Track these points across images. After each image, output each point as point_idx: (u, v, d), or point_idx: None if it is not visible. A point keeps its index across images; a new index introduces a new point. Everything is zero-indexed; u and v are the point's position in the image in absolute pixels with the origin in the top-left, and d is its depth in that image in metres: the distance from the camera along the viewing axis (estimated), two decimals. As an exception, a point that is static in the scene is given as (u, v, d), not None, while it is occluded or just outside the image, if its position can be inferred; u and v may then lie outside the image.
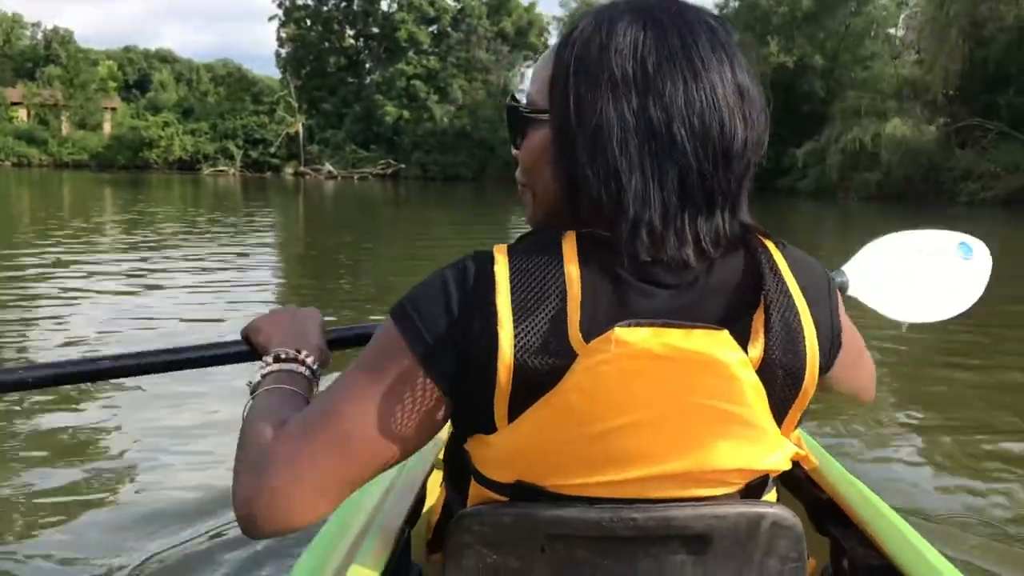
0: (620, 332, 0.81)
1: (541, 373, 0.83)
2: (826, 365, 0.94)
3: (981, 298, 1.86)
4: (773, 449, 0.90)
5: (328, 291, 8.20)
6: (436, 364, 0.87)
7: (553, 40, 54.21)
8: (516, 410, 0.85)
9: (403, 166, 52.26)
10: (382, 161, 52.71)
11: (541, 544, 0.89)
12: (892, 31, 40.79)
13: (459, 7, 55.79)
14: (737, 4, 42.11)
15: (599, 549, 0.89)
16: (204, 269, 9.44)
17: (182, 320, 6.49)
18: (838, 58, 40.27)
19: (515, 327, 0.83)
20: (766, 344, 0.87)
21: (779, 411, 0.90)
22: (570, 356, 0.83)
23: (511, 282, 0.85)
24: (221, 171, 53.57)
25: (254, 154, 55.89)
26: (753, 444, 0.89)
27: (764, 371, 0.86)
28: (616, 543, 0.89)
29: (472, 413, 0.88)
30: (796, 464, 0.95)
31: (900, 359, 5.40)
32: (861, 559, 1.19)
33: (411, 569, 1.22)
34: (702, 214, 0.88)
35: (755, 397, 0.86)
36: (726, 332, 0.84)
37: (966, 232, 1.95)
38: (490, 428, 0.88)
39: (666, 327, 0.83)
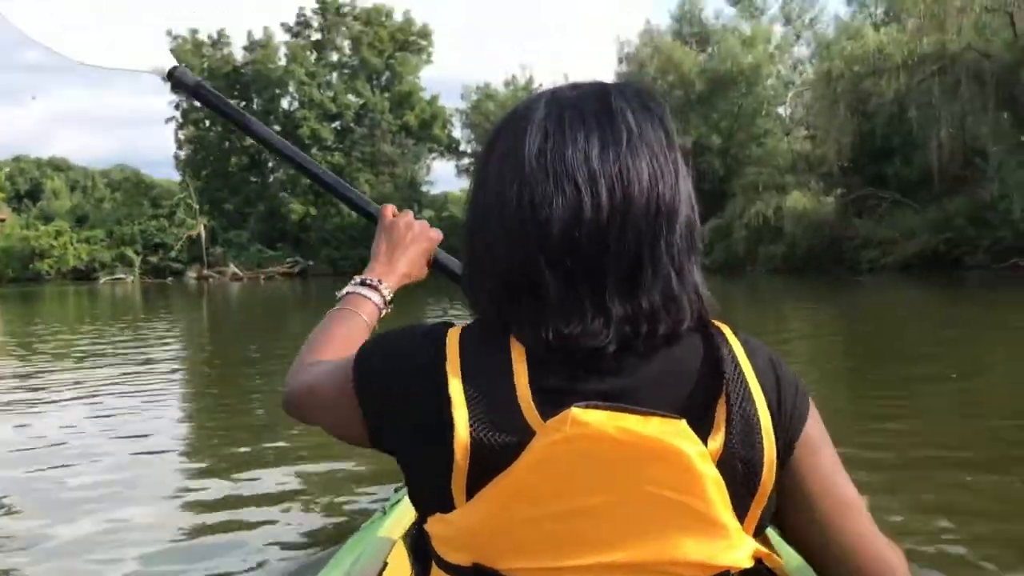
0: (577, 412, 0.81)
1: (497, 451, 0.84)
2: (783, 456, 0.90)
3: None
4: (734, 546, 0.87)
5: (237, 398, 7.75)
6: (374, 426, 0.95)
7: (457, 132, 54.86)
8: (474, 487, 0.85)
9: (311, 263, 51.30)
10: (289, 259, 51.73)
11: None
12: (781, 110, 42.54)
13: (361, 103, 55.95)
14: (633, 90, 43.26)
15: None
16: (96, 391, 8.64)
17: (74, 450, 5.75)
18: (733, 137, 41.66)
19: (468, 404, 0.85)
20: (726, 437, 0.85)
21: (740, 506, 0.87)
22: (526, 434, 0.83)
23: (461, 359, 0.88)
24: (119, 279, 51.46)
25: (154, 259, 54.09)
26: (712, 539, 0.85)
27: (723, 465, 0.85)
28: None
29: (431, 491, 0.89)
30: (759, 560, 0.92)
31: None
32: None
33: None
34: (545, 309, 0.87)
35: (715, 491, 0.84)
36: (684, 422, 0.82)
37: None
38: (449, 507, 0.87)
39: (623, 411, 0.82)
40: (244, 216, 54.81)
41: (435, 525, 0.90)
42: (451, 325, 0.94)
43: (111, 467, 4.91)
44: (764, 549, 0.91)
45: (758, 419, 0.88)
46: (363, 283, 1.28)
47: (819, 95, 33.06)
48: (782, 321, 14.69)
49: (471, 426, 0.84)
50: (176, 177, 58.67)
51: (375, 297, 1.27)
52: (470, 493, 0.86)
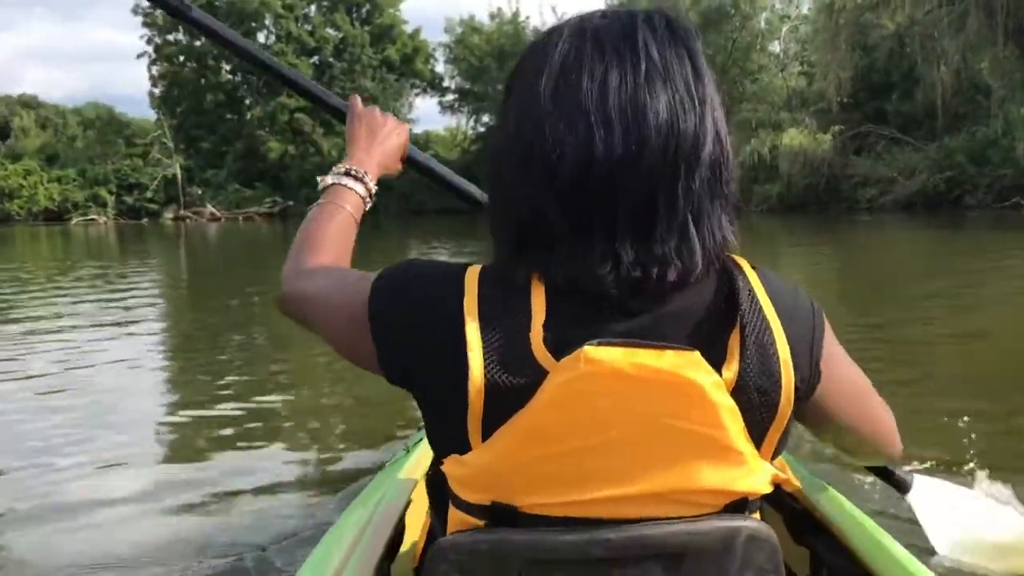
0: (590, 350, 0.81)
1: (512, 391, 0.84)
2: (805, 391, 0.91)
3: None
4: (751, 472, 0.89)
5: (218, 346, 7.34)
6: (387, 357, 0.94)
7: (440, 67, 53.06)
8: (489, 429, 0.85)
9: (291, 203, 49.84)
10: (268, 200, 50.05)
11: (518, 569, 0.89)
12: (775, 45, 41.22)
13: (340, 36, 53.88)
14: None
15: (576, 571, 0.89)
16: (76, 326, 8.46)
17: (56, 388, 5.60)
18: (727, 73, 40.36)
19: (484, 345, 0.84)
20: (741, 366, 0.86)
21: (756, 434, 0.88)
22: (540, 374, 0.83)
23: (479, 299, 0.87)
24: (92, 220, 49.69)
25: (129, 200, 52.11)
26: (729, 467, 0.87)
27: (738, 393, 0.86)
28: (592, 565, 0.88)
29: (448, 432, 0.89)
30: (778, 485, 0.95)
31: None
32: (839, 569, 1.17)
33: None
34: (577, 248, 0.85)
35: (730, 420, 0.85)
36: (698, 353, 0.83)
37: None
38: (465, 448, 0.88)
39: (636, 347, 0.82)
40: (221, 155, 52.82)
41: (451, 466, 0.90)
42: (469, 265, 0.93)
43: (103, 414, 4.77)
44: (782, 474, 0.92)
45: (775, 349, 0.87)
46: (347, 173, 1.23)
47: (820, 27, 31.73)
48: (777, 262, 14.12)
49: (486, 368, 0.84)
50: (152, 115, 56.62)
51: (359, 188, 1.23)
52: (485, 434, 0.86)
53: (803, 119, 33.52)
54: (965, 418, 3.87)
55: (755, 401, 0.87)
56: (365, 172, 1.24)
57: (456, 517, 0.92)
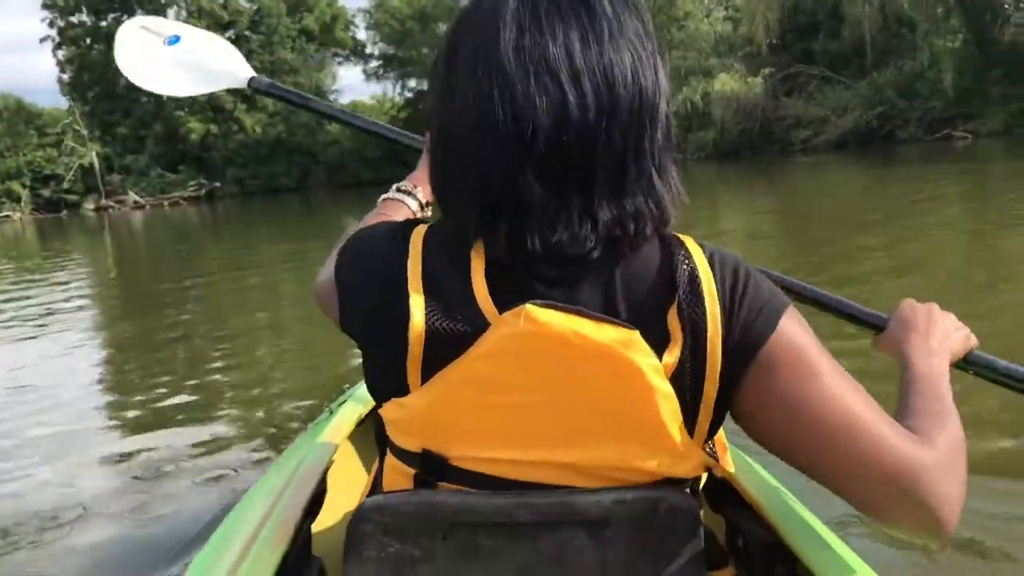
0: (532, 309, 0.81)
1: (452, 339, 0.84)
2: (731, 377, 0.87)
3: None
4: (681, 458, 0.88)
5: (156, 342, 7.00)
6: (345, 314, 0.96)
7: (361, 34, 51.55)
8: (428, 374, 0.87)
9: (217, 184, 48.18)
10: (192, 183, 48.17)
11: (443, 531, 0.90)
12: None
13: (255, 8, 51.88)
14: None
15: (501, 535, 0.90)
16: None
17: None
18: (654, 20, 39.79)
19: (425, 293, 0.86)
20: (682, 351, 0.85)
21: (689, 418, 0.87)
22: (481, 324, 0.84)
23: (423, 254, 0.89)
24: (6, 216, 47.27)
25: (46, 193, 49.62)
26: (659, 451, 0.87)
27: (676, 378, 0.85)
28: (518, 528, 0.89)
29: (390, 376, 0.90)
30: (710, 470, 0.96)
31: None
32: (754, 538, 1.19)
33: (312, 563, 1.19)
34: (529, 217, 0.84)
35: (665, 404, 0.84)
36: (637, 333, 0.82)
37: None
38: (404, 392, 0.89)
39: (579, 315, 0.82)
40: (140, 140, 50.46)
41: (390, 409, 0.91)
42: (422, 223, 0.95)
43: (36, 412, 4.67)
44: (712, 460, 0.92)
45: (706, 331, 0.85)
46: (398, 189, 1.31)
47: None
48: (716, 211, 13.94)
49: (427, 313, 0.85)
50: (65, 104, 53.63)
51: (410, 201, 1.30)
52: (424, 378, 0.87)
53: (732, 64, 33.28)
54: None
55: (688, 385, 0.86)
56: (415, 186, 1.31)
57: (390, 463, 0.95)
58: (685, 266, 0.87)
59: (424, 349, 0.86)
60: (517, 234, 0.84)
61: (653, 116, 0.85)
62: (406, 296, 0.86)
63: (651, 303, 0.86)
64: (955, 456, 0.90)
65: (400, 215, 1.26)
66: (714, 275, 0.88)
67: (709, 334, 0.85)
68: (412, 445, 0.91)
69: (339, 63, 55.56)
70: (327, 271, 1.06)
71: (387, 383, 0.91)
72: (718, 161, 30.91)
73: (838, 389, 0.87)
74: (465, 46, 0.87)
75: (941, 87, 27.38)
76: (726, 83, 31.96)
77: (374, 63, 52.64)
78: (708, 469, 0.95)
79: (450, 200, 0.91)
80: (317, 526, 1.28)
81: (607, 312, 0.85)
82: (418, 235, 0.91)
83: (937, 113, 27.86)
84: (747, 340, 0.87)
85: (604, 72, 0.83)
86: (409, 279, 0.87)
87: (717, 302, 0.86)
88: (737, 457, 1.28)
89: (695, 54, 35.35)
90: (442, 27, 44.79)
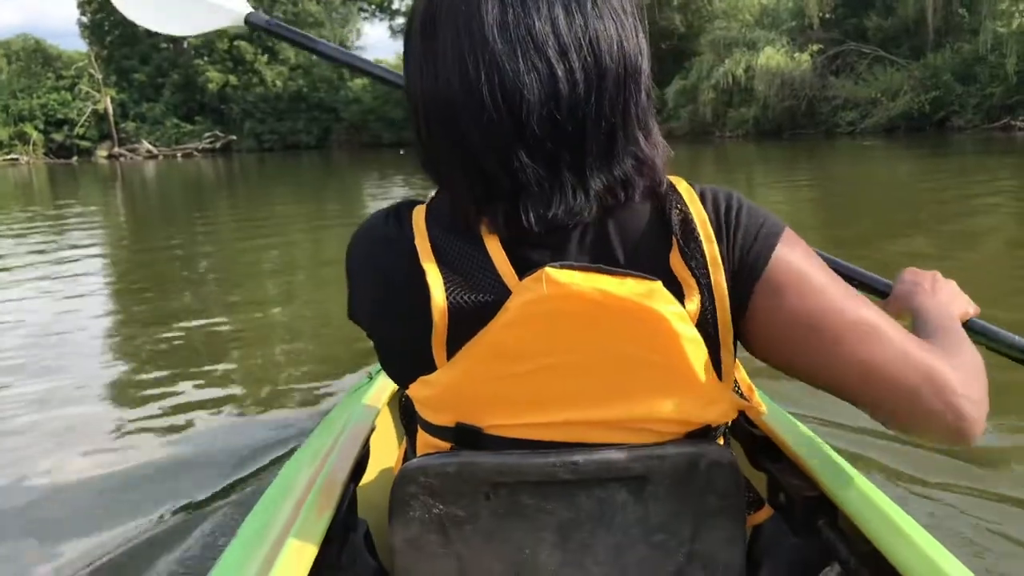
0: (551, 271, 0.81)
1: (474, 310, 0.84)
2: (738, 307, 0.87)
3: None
4: (714, 402, 0.89)
5: (171, 299, 6.55)
6: (355, 304, 0.96)
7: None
8: (454, 348, 0.86)
9: (234, 138, 46.79)
10: (208, 134, 46.80)
11: (486, 492, 0.91)
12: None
13: (281, -44, 50.23)
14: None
15: (542, 493, 0.91)
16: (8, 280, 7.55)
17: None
18: (694, -12, 38.15)
19: (442, 270, 0.85)
20: (700, 297, 0.85)
21: (715, 360, 0.88)
22: (503, 293, 0.84)
23: (429, 232, 0.87)
24: (14, 159, 46.09)
25: (58, 137, 48.38)
26: (693, 397, 0.88)
27: (700, 324, 0.85)
28: (559, 487, 0.90)
29: (414, 356, 0.89)
30: (742, 413, 0.96)
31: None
32: (795, 491, 1.19)
33: (358, 525, 1.24)
34: (524, 194, 0.83)
35: (693, 351, 0.85)
36: (659, 283, 0.82)
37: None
38: (431, 368, 0.88)
39: (598, 272, 0.82)
40: (157, 88, 49.10)
41: (418, 388, 0.91)
42: (417, 203, 0.93)
43: (53, 372, 4.38)
44: (745, 402, 0.93)
45: (707, 269, 0.85)
46: None
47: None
48: (753, 193, 12.88)
49: (447, 289, 0.84)
50: (85, 48, 52.02)
51: None
52: (451, 354, 0.86)
53: (780, 38, 31.54)
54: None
55: (709, 329, 0.86)
56: None
57: (424, 440, 0.93)
58: (678, 209, 0.86)
59: (448, 323, 0.84)
60: (512, 212, 0.83)
61: (637, 80, 0.84)
62: (422, 274, 0.84)
63: (648, 250, 0.86)
64: (976, 368, 0.88)
65: None
66: (707, 212, 0.87)
67: (712, 273, 0.85)
68: (444, 420, 0.90)
69: (364, 18, 53.80)
70: None
71: (410, 364, 0.90)
72: (757, 140, 29.41)
73: (847, 301, 0.86)
74: (444, 20, 0.83)
75: (1003, 72, 25.66)
76: (771, 57, 30.24)
77: (400, 19, 50.78)
78: (741, 413, 0.93)
79: (443, 176, 0.88)
80: (361, 489, 1.30)
81: (616, 263, 0.84)
82: (419, 213, 0.90)
83: (996, 100, 26.17)
84: (747, 268, 0.86)
85: (591, 44, 0.81)
86: (421, 257, 0.85)
87: (713, 239, 0.85)
88: (769, 406, 1.26)
89: (738, 25, 33.61)
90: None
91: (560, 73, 0.80)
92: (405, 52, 0.90)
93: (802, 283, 0.86)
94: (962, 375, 0.85)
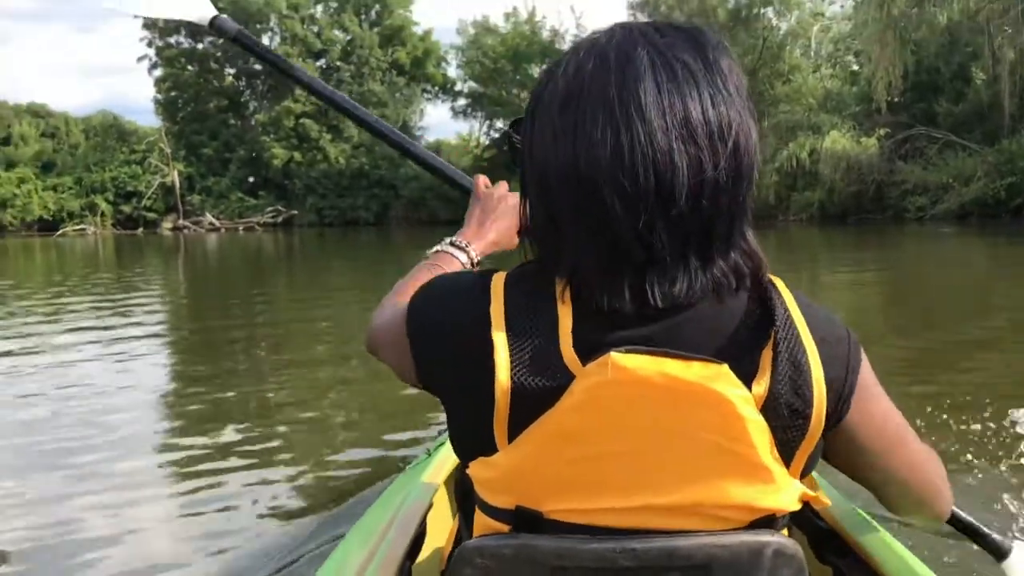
0: (616, 356, 0.81)
1: (538, 393, 0.84)
2: (834, 417, 0.90)
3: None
4: (779, 489, 0.88)
5: (221, 376, 6.46)
6: (423, 368, 0.96)
7: (452, 71, 50.58)
8: (516, 431, 0.86)
9: (295, 212, 47.46)
10: (271, 208, 47.55)
11: None
12: (810, 43, 38.67)
13: (348, 39, 51.62)
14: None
15: None
16: (71, 345, 7.62)
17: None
18: (757, 73, 38.00)
19: (510, 348, 0.85)
20: (772, 382, 0.85)
21: (786, 452, 0.88)
22: (566, 377, 0.83)
23: (506, 305, 0.87)
24: (82, 230, 47.31)
25: (127, 209, 49.79)
26: (757, 483, 0.87)
27: (768, 410, 0.85)
28: (618, 574, 0.88)
29: (475, 436, 0.89)
30: (806, 503, 0.96)
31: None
32: None
33: None
34: (652, 269, 0.85)
35: (758, 435, 0.84)
36: (726, 366, 0.82)
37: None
38: (491, 450, 0.88)
39: (664, 356, 0.82)
40: (224, 162, 50.32)
41: (478, 468, 0.90)
42: (496, 271, 0.94)
43: (112, 435, 4.48)
44: (811, 492, 0.92)
45: (808, 368, 0.86)
46: (451, 243, 1.30)
47: (870, 19, 29.02)
48: (817, 279, 12.60)
49: (512, 370, 0.84)
50: (160, 124, 53.87)
51: (462, 257, 1.28)
52: (512, 436, 0.86)
53: (845, 121, 31.02)
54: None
55: (785, 419, 0.85)
56: (468, 243, 1.29)
57: (481, 521, 0.91)
58: (781, 305, 0.88)
59: (510, 406, 0.84)
60: (638, 286, 0.84)
61: (753, 175, 0.86)
62: (491, 350, 0.84)
63: (744, 341, 0.86)
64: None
65: (450, 268, 1.23)
66: (804, 315, 0.88)
67: (813, 373, 0.85)
68: (504, 503, 0.88)
69: (427, 99, 54.80)
70: (384, 318, 1.07)
71: (471, 440, 0.89)
72: (821, 224, 28.67)
73: (894, 410, 0.97)
74: (591, 96, 0.84)
75: (1084, 159, 24.70)
76: (837, 141, 29.71)
77: (462, 101, 51.61)
78: (806, 503, 0.93)
79: (559, 246, 0.87)
80: (417, 568, 1.28)
81: (695, 347, 0.83)
82: (498, 285, 0.89)
83: (1077, 188, 25.13)
84: (848, 376, 0.90)
85: (735, 134, 0.83)
86: (492, 333, 0.85)
87: (814, 343, 0.87)
88: (835, 498, 1.25)
89: (803, 109, 33.25)
90: (534, 68, 43.56)
91: (707, 158, 0.82)
92: (531, 123, 0.90)
93: (876, 388, 0.94)
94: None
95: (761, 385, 0.84)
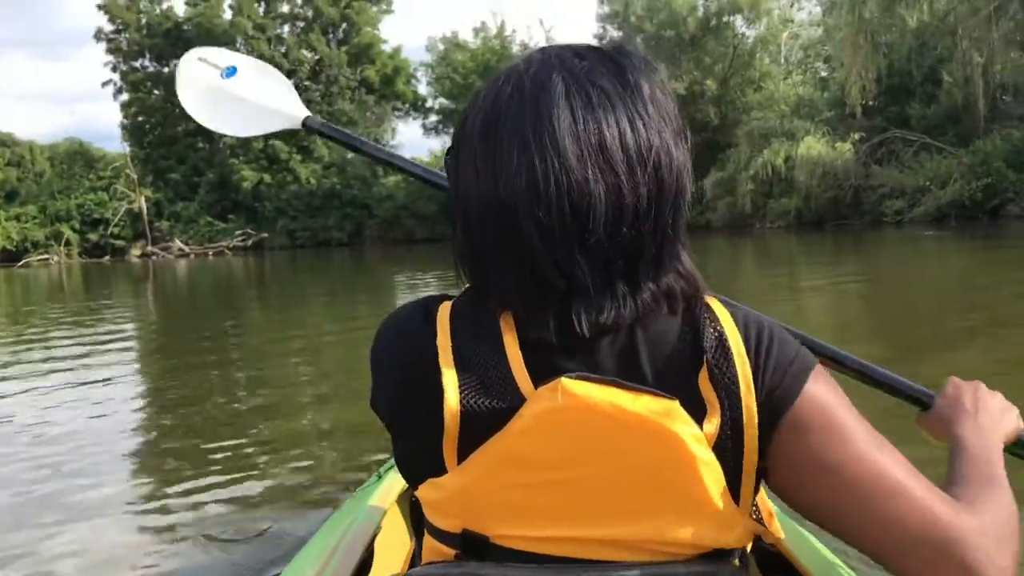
0: (567, 383, 0.80)
1: (488, 416, 0.83)
2: (761, 440, 0.85)
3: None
4: (728, 526, 0.86)
5: (194, 399, 6.45)
6: (380, 396, 0.94)
7: (423, 88, 49.98)
8: (465, 452, 0.85)
9: (266, 235, 46.62)
10: (240, 232, 46.53)
11: None
12: (780, 50, 38.62)
13: (316, 58, 51.06)
14: (619, 34, 39.13)
15: None
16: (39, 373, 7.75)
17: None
18: (728, 81, 37.88)
19: (458, 373, 0.84)
20: (721, 419, 0.83)
21: (733, 485, 0.85)
22: (517, 399, 0.82)
23: (453, 332, 0.87)
24: (44, 260, 46.05)
25: (94, 237, 48.71)
26: (706, 521, 0.85)
27: (718, 447, 0.83)
28: None
29: (424, 456, 0.88)
30: (758, 537, 0.94)
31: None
32: None
33: None
34: (576, 298, 0.83)
35: (709, 475, 0.82)
36: (676, 403, 0.81)
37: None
38: (440, 471, 0.87)
39: (615, 386, 0.80)
40: (192, 186, 49.37)
41: (426, 490, 0.89)
42: (446, 298, 0.93)
43: (82, 459, 4.59)
44: (761, 526, 0.90)
45: (739, 395, 0.84)
46: None
47: (842, 24, 28.89)
48: (794, 288, 12.38)
49: (461, 392, 0.84)
50: (127, 149, 52.77)
51: None
52: (461, 458, 0.85)
53: (819, 127, 30.85)
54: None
55: (729, 451, 0.84)
56: None
57: (430, 545, 0.91)
58: (712, 328, 0.86)
59: (460, 428, 0.83)
60: (563, 316, 0.83)
61: (684, 197, 0.85)
62: (438, 374, 0.84)
63: (677, 367, 0.85)
64: (1003, 527, 0.83)
65: None
66: (741, 336, 0.86)
67: (743, 398, 0.83)
68: (451, 526, 0.88)
69: (398, 117, 54.30)
70: None
71: (421, 463, 0.89)
72: (799, 231, 28.42)
73: (872, 451, 0.84)
74: (508, 124, 0.83)
75: (1059, 159, 24.60)
76: (812, 147, 29.51)
77: (433, 117, 51.15)
78: (757, 537, 0.91)
79: (485, 276, 0.87)
80: None
81: (630, 377, 0.82)
82: (444, 311, 0.89)
83: (1054, 187, 25.02)
84: (774, 401, 0.84)
85: (655, 158, 0.82)
86: (440, 356, 0.85)
87: (748, 364, 0.84)
88: (786, 524, 1.20)
89: (775, 116, 33.07)
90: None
91: (626, 186, 0.80)
92: (456, 153, 0.89)
93: (829, 425, 0.84)
94: (991, 541, 0.81)
95: (712, 424, 0.82)
